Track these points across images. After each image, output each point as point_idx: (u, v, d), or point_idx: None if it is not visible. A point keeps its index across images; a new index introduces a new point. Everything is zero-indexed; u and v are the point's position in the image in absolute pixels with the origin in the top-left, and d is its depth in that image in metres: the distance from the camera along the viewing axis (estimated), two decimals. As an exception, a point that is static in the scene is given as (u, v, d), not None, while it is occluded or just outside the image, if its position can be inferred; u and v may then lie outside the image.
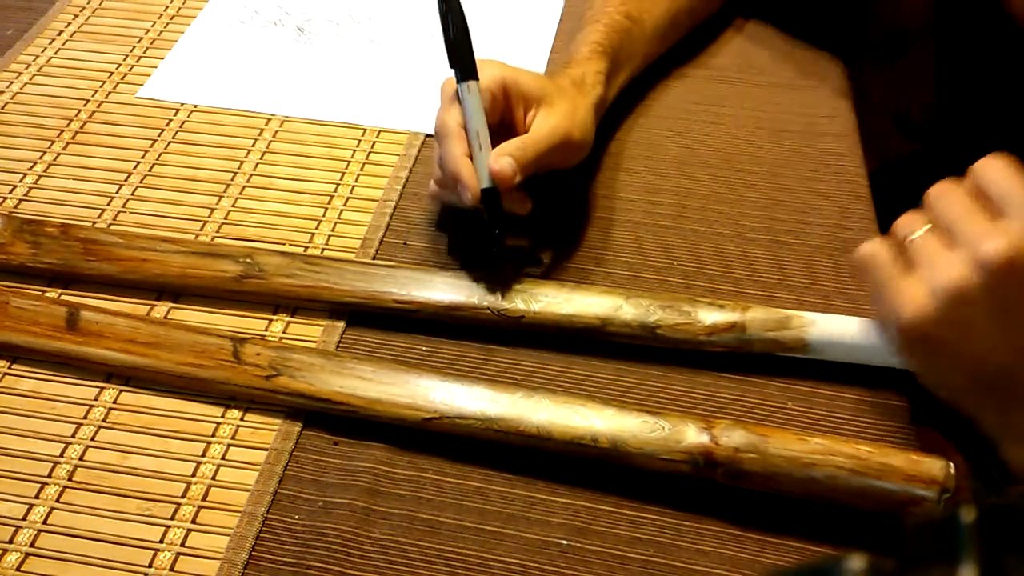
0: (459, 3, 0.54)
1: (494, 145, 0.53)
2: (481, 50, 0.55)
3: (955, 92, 0.73)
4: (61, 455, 0.50)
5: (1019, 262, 0.41)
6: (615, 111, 0.66)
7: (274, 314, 0.56)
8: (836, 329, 0.51)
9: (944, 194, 0.45)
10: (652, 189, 0.63)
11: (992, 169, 0.44)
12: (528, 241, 0.59)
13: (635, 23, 0.66)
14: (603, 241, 0.60)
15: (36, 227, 0.59)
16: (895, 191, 0.66)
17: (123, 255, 0.57)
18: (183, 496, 0.48)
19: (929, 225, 0.45)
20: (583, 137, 0.57)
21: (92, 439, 0.50)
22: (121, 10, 0.79)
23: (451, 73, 0.55)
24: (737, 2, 0.75)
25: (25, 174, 0.65)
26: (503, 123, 0.56)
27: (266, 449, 0.50)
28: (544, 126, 0.55)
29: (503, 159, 0.52)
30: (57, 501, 0.48)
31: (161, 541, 0.46)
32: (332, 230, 0.61)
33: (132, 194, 0.63)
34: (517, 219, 0.56)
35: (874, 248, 0.46)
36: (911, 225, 0.46)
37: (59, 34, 0.76)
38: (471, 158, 0.53)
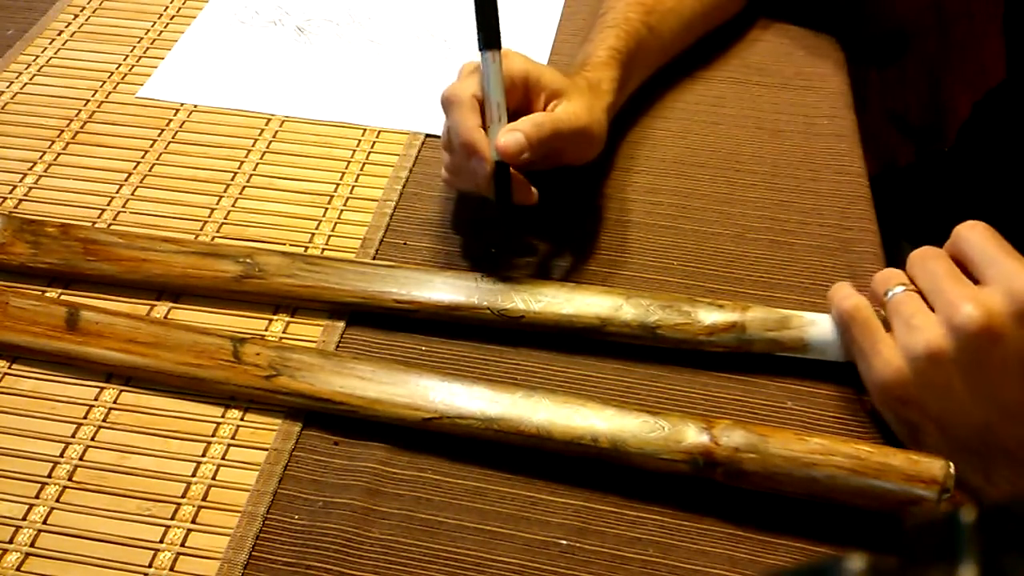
0: None
1: None
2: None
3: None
4: (61, 455, 0.50)
5: (995, 328, 0.43)
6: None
7: (274, 314, 0.56)
8: (836, 329, 0.51)
9: (926, 257, 0.47)
10: (652, 189, 0.63)
11: (972, 234, 0.45)
12: (527, 242, 0.59)
13: (653, 33, 0.65)
14: (603, 241, 0.60)
15: (36, 227, 0.59)
16: (895, 192, 0.66)
17: (123, 255, 0.57)
18: (183, 496, 0.48)
19: (906, 284, 0.47)
20: (599, 133, 0.57)
21: (92, 439, 0.50)
22: (121, 10, 0.79)
23: (457, 65, 0.54)
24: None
25: (25, 174, 0.65)
26: (520, 115, 0.55)
27: (266, 449, 0.50)
28: (566, 111, 0.54)
29: (513, 134, 0.51)
30: (57, 501, 0.48)
31: (161, 541, 0.46)
32: (332, 230, 0.61)
33: (132, 194, 0.63)
34: (524, 213, 0.56)
35: (857, 303, 0.48)
36: (888, 282, 0.48)
37: (59, 34, 0.76)
38: (486, 130, 0.52)
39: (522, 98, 0.55)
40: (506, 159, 0.52)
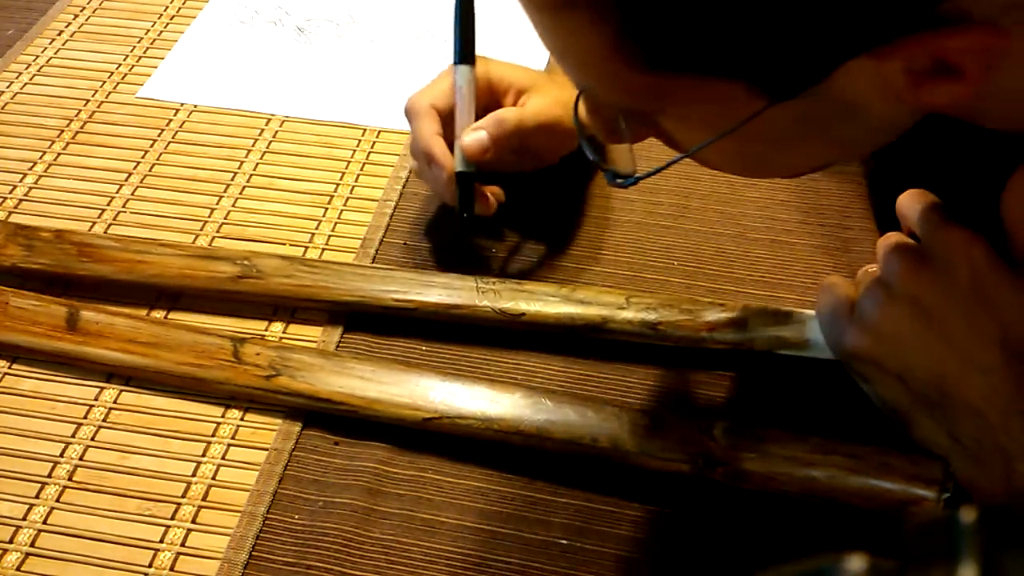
0: None
1: None
2: (482, 50, 0.55)
3: None
4: (61, 455, 0.50)
5: (916, 271, 0.43)
6: (615, 111, 0.66)
7: (273, 315, 0.56)
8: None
9: (883, 239, 0.47)
10: (652, 189, 0.63)
11: (904, 201, 0.47)
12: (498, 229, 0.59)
13: None
14: (604, 241, 0.60)
15: (30, 232, 0.58)
16: (895, 192, 0.66)
17: (119, 258, 0.57)
18: (183, 496, 0.48)
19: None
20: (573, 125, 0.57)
21: (92, 439, 0.50)
22: (121, 10, 0.79)
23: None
24: None
25: (25, 174, 0.65)
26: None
27: (266, 449, 0.49)
28: (532, 106, 0.55)
29: (476, 133, 0.53)
30: (57, 501, 0.48)
31: (161, 541, 0.46)
32: (332, 230, 0.61)
33: (132, 194, 0.63)
34: (484, 222, 0.56)
35: (833, 279, 0.50)
36: (867, 268, 0.49)
37: (59, 34, 0.76)
38: (450, 140, 0.54)
39: (488, 99, 0.56)
40: (471, 159, 0.53)
